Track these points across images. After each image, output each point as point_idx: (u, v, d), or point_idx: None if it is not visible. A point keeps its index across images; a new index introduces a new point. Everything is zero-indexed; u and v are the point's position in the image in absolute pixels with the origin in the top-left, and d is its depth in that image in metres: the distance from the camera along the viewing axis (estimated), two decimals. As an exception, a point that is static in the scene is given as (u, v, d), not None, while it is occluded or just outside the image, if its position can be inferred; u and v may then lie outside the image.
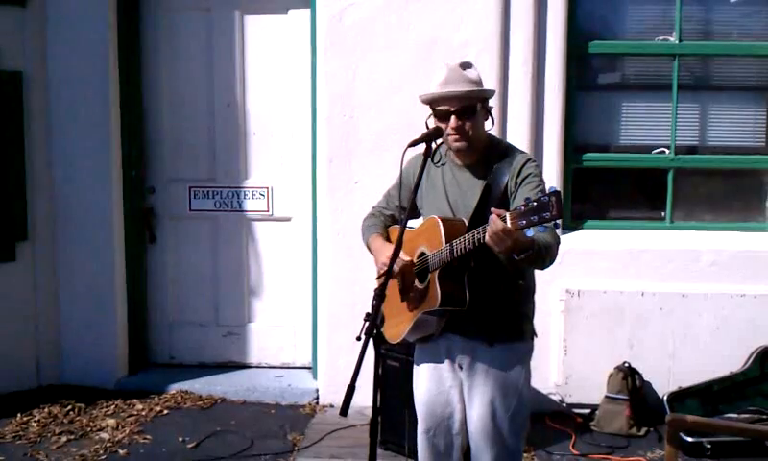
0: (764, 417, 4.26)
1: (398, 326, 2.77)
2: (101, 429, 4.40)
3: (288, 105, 5.02)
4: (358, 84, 4.60)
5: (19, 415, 4.54)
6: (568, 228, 4.73)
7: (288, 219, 5.11)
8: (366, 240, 2.93)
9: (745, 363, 4.40)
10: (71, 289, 5.00)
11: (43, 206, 4.94)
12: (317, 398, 4.85)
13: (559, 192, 2.16)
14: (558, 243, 2.53)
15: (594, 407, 4.50)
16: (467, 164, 2.71)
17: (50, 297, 5.00)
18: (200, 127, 5.09)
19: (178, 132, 5.11)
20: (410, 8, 4.55)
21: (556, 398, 4.63)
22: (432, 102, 2.64)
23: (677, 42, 4.71)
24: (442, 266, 2.55)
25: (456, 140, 2.63)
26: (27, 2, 4.79)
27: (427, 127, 2.67)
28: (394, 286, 2.76)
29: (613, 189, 5.00)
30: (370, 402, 2.47)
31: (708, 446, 4.02)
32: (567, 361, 4.55)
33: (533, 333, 2.79)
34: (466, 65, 2.66)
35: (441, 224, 2.58)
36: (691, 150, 4.86)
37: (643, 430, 4.38)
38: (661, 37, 4.76)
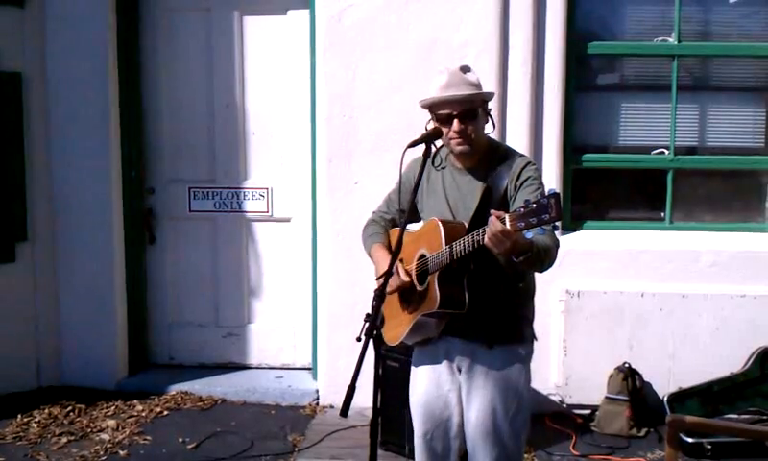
0: (764, 417, 4.27)
1: (397, 328, 2.77)
2: (101, 430, 4.40)
3: (288, 105, 5.02)
4: (358, 84, 4.60)
5: (19, 416, 4.54)
6: (568, 228, 4.73)
7: (288, 220, 5.11)
8: (367, 250, 2.93)
9: (745, 364, 4.40)
10: (71, 290, 5.00)
11: (43, 207, 4.94)
12: (317, 398, 4.85)
13: (558, 194, 2.16)
14: (557, 246, 2.53)
15: (594, 408, 4.50)
16: (467, 167, 2.71)
17: (50, 297, 5.00)
18: (199, 127, 5.09)
19: (177, 132, 5.11)
20: (410, 8, 4.55)
21: (556, 398, 4.63)
22: (434, 106, 2.64)
23: (676, 43, 4.71)
24: (441, 268, 2.56)
25: (459, 144, 2.62)
26: (26, 2, 4.79)
27: (426, 129, 2.67)
28: (393, 288, 2.76)
29: (613, 190, 5.00)
30: (370, 403, 2.47)
31: (709, 446, 4.02)
32: (567, 362, 4.55)
33: (533, 336, 2.79)
34: (466, 69, 2.66)
35: (441, 226, 2.58)
36: (691, 150, 4.86)
37: (643, 431, 4.38)
38: (661, 38, 4.76)
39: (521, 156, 2.72)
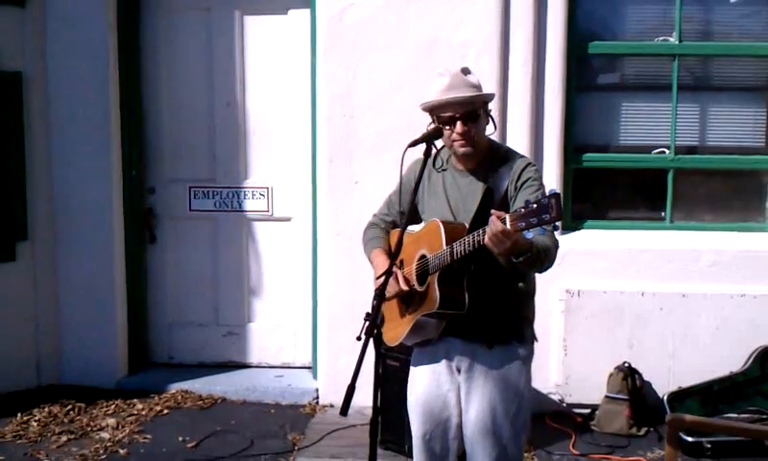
0: (764, 417, 4.27)
1: (397, 328, 2.76)
2: (101, 429, 4.40)
3: (288, 105, 5.02)
4: (358, 84, 4.60)
5: (19, 414, 4.55)
6: (568, 228, 4.73)
7: (288, 219, 5.11)
8: (367, 254, 2.92)
9: (745, 363, 4.40)
10: (71, 289, 5.00)
11: (43, 207, 4.94)
12: (317, 397, 4.85)
13: (558, 194, 2.17)
14: (556, 246, 2.54)
15: (594, 407, 4.50)
16: (468, 169, 2.71)
17: (50, 296, 5.00)
18: (200, 127, 5.09)
19: (177, 132, 5.11)
20: (410, 8, 4.55)
21: (556, 397, 4.63)
22: (435, 108, 2.64)
23: (677, 43, 4.71)
24: (441, 268, 2.56)
25: (462, 145, 2.63)
26: (26, 2, 4.79)
27: (427, 129, 2.66)
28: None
29: (613, 189, 5.00)
30: (370, 402, 2.47)
31: (708, 446, 4.02)
32: (567, 361, 4.55)
33: (533, 337, 2.79)
34: (466, 70, 2.67)
35: (442, 227, 2.58)
36: (691, 150, 4.86)
37: (643, 430, 4.38)
38: (661, 38, 4.76)
39: (522, 157, 2.72)
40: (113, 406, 4.71)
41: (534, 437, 4.13)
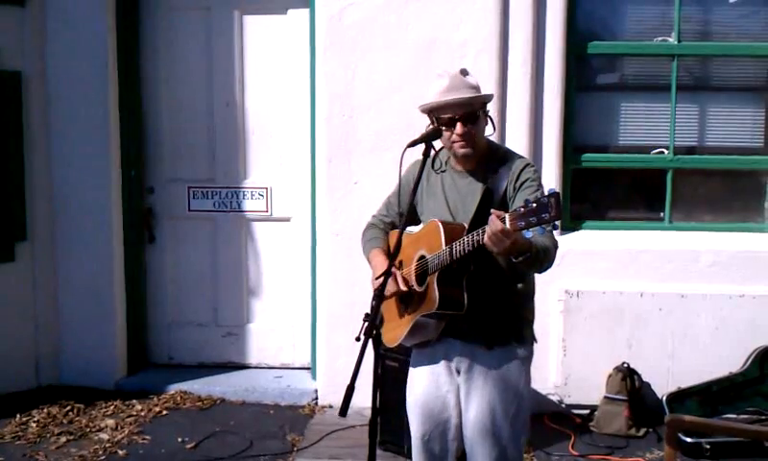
0: (763, 417, 4.26)
1: (396, 329, 2.76)
2: (100, 430, 4.40)
3: (287, 105, 5.02)
4: (357, 83, 4.60)
5: (18, 415, 4.54)
6: (567, 228, 4.73)
7: (287, 219, 5.11)
8: (366, 255, 2.92)
9: (744, 364, 4.40)
10: (70, 289, 5.00)
11: (42, 207, 4.93)
12: (316, 398, 4.85)
13: (558, 194, 2.16)
14: (556, 247, 2.54)
15: (593, 408, 4.50)
16: (467, 170, 2.71)
17: (49, 297, 5.00)
18: (199, 127, 5.09)
19: (177, 132, 5.11)
20: (409, 8, 4.55)
21: (555, 398, 4.63)
22: (435, 110, 2.64)
23: (676, 43, 4.71)
24: (441, 269, 2.55)
25: (462, 147, 2.63)
26: (26, 2, 4.79)
27: (426, 129, 2.66)
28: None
29: (612, 190, 5.00)
30: (369, 403, 2.47)
31: (707, 446, 4.02)
32: (566, 362, 4.55)
33: (533, 337, 2.79)
34: (465, 72, 2.67)
35: (441, 227, 2.58)
36: (690, 150, 4.86)
37: (642, 431, 4.38)
38: (660, 38, 4.76)
39: (520, 157, 2.72)
40: (112, 407, 4.71)
41: (533, 438, 4.12)
